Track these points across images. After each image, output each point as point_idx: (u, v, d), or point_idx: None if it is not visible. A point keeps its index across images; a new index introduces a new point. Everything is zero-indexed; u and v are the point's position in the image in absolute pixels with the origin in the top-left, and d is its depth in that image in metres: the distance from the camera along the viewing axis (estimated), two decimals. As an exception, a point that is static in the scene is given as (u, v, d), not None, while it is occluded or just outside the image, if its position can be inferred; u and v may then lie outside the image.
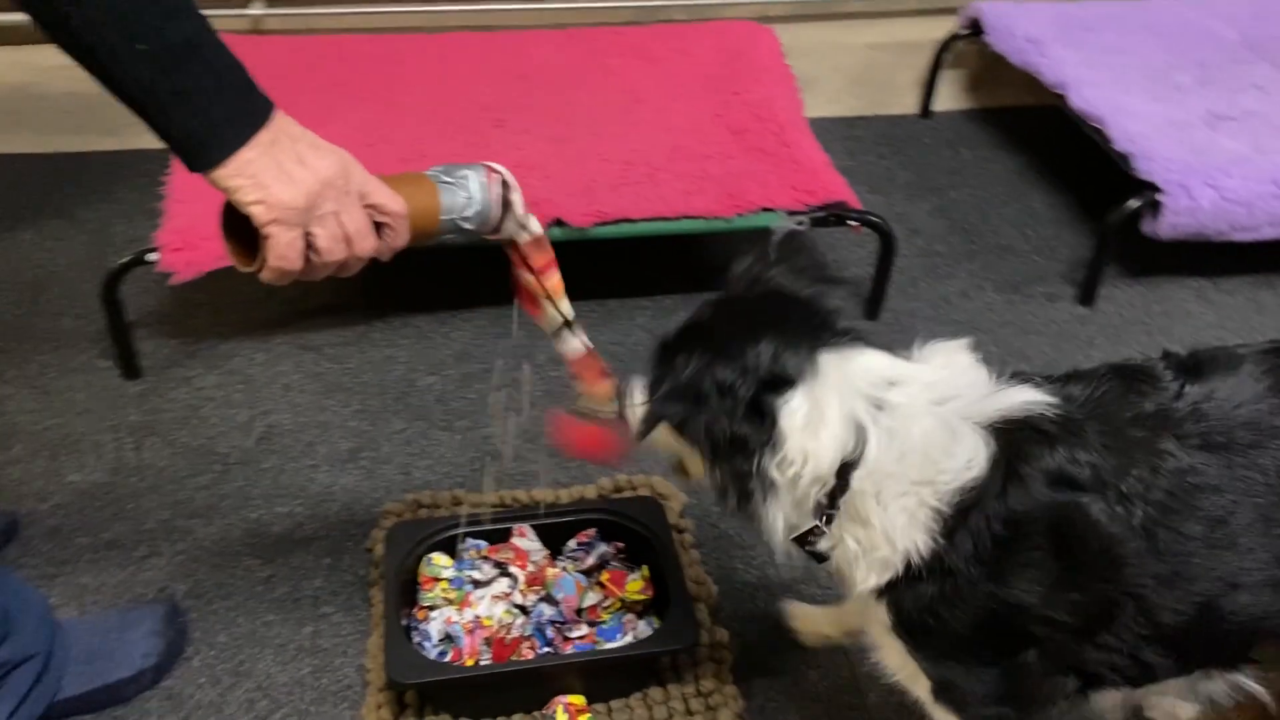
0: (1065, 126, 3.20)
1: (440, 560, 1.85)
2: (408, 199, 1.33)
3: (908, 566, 1.27)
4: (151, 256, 2.27)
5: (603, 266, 2.81)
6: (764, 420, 1.27)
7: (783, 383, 1.27)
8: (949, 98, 3.63)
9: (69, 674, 1.74)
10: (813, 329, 1.35)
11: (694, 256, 2.90)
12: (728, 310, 1.42)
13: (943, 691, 1.38)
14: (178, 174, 2.48)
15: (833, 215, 2.53)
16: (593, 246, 2.52)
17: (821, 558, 1.35)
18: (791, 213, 2.50)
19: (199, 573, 2.00)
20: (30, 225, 2.88)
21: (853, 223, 2.55)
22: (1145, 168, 2.66)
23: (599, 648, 1.78)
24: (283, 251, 1.22)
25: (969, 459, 1.23)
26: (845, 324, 1.39)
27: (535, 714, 1.74)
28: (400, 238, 1.33)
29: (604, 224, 2.44)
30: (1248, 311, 2.78)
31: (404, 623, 1.78)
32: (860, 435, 1.25)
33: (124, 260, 2.30)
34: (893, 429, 1.26)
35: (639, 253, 2.85)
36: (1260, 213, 2.63)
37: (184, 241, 2.25)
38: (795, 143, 2.69)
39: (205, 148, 1.17)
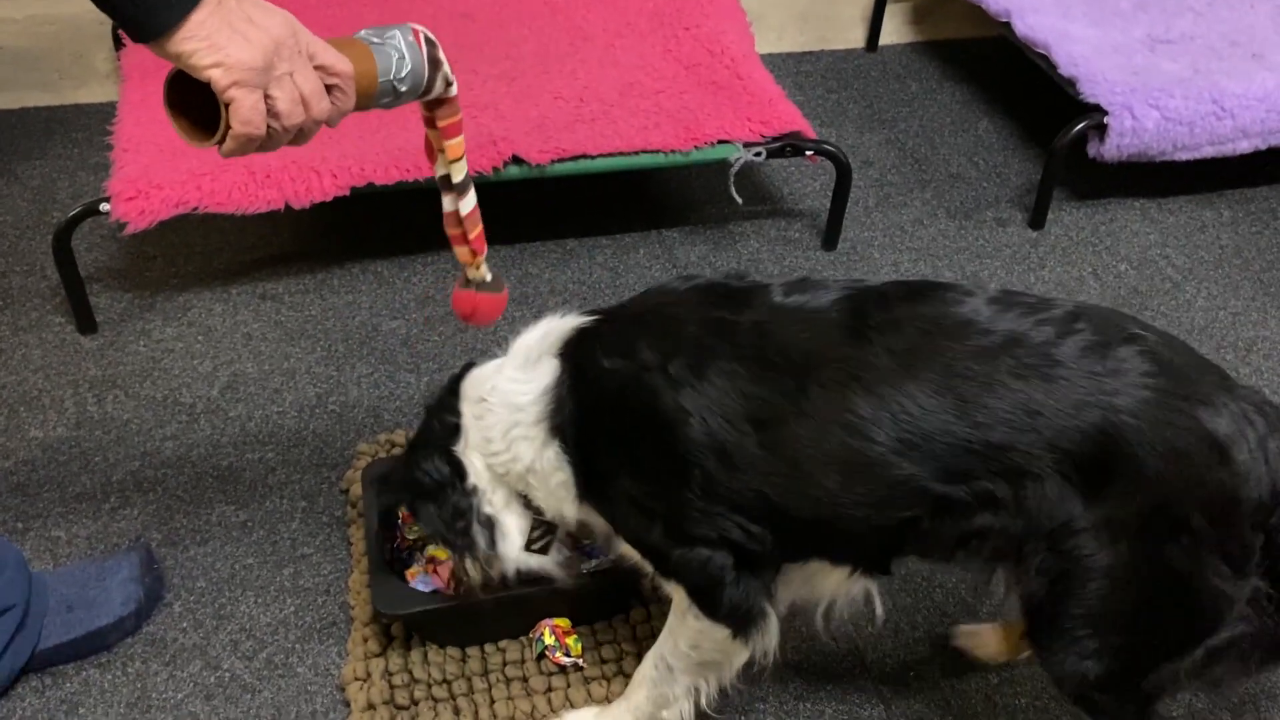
0: (1009, 56, 3.25)
1: None
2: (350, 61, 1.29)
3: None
4: (104, 207, 2.22)
5: (561, 206, 2.81)
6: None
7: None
8: (894, 31, 3.65)
9: (49, 623, 1.73)
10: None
11: (650, 193, 2.92)
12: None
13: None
14: (124, 123, 2.42)
15: (789, 146, 2.55)
16: (550, 185, 2.52)
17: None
18: (748, 144, 2.52)
19: (173, 521, 1.99)
20: (-31, 184, 2.80)
21: (809, 153, 2.57)
22: (1090, 91, 2.71)
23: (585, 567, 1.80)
24: (247, 116, 1.16)
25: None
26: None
27: (523, 639, 1.77)
28: (349, 100, 1.28)
29: (561, 160, 2.43)
30: (1191, 229, 2.86)
31: (387, 558, 1.78)
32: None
33: (75, 212, 2.25)
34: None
35: (596, 191, 2.85)
36: (1201, 132, 2.70)
37: (136, 190, 2.20)
38: (749, 75, 2.70)
39: (154, 12, 1.12)
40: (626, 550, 1.53)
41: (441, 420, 1.59)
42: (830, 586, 1.47)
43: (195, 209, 2.23)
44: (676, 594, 1.48)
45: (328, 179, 2.29)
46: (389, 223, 2.72)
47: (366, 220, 2.70)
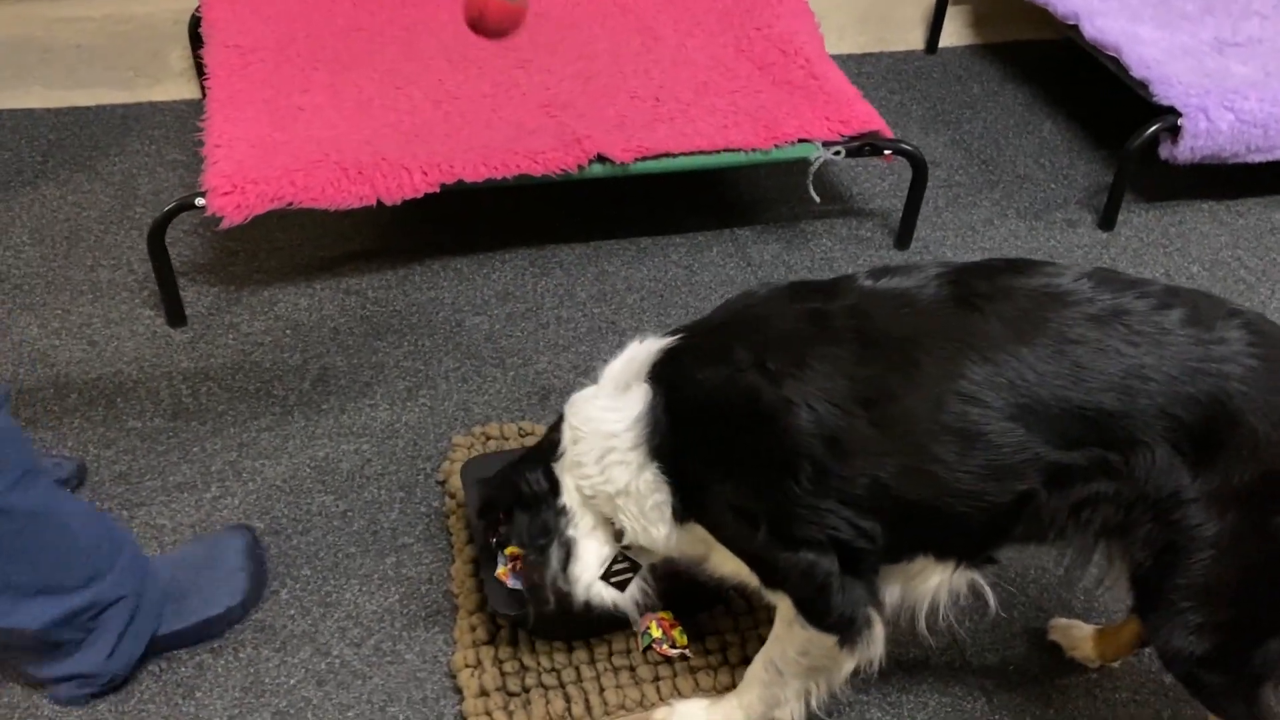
0: (1070, 58, 3.27)
1: None
2: None
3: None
4: (199, 202, 2.26)
5: (634, 204, 2.84)
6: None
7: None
8: (954, 34, 3.67)
9: (164, 610, 1.76)
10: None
11: (721, 192, 2.94)
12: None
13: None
14: (215, 119, 2.46)
15: (867, 145, 2.57)
16: (623, 184, 2.53)
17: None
18: (827, 143, 2.54)
19: (274, 510, 2.02)
20: (51, 180, 2.84)
21: (886, 152, 2.59)
22: (1164, 93, 2.72)
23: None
24: None
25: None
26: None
27: (632, 630, 1.78)
28: None
29: (645, 159, 2.46)
30: (1260, 231, 2.86)
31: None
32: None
33: (170, 207, 2.29)
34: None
35: (667, 190, 2.88)
36: (1276, 134, 2.71)
37: (232, 185, 2.24)
38: (824, 75, 2.73)
39: None
40: (727, 570, 1.55)
41: (551, 436, 1.62)
42: (934, 584, 1.48)
43: (290, 204, 2.26)
44: (782, 603, 1.49)
45: (418, 176, 2.32)
46: (466, 220, 2.75)
47: (444, 218, 2.73)
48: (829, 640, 1.46)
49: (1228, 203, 2.95)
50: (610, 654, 1.76)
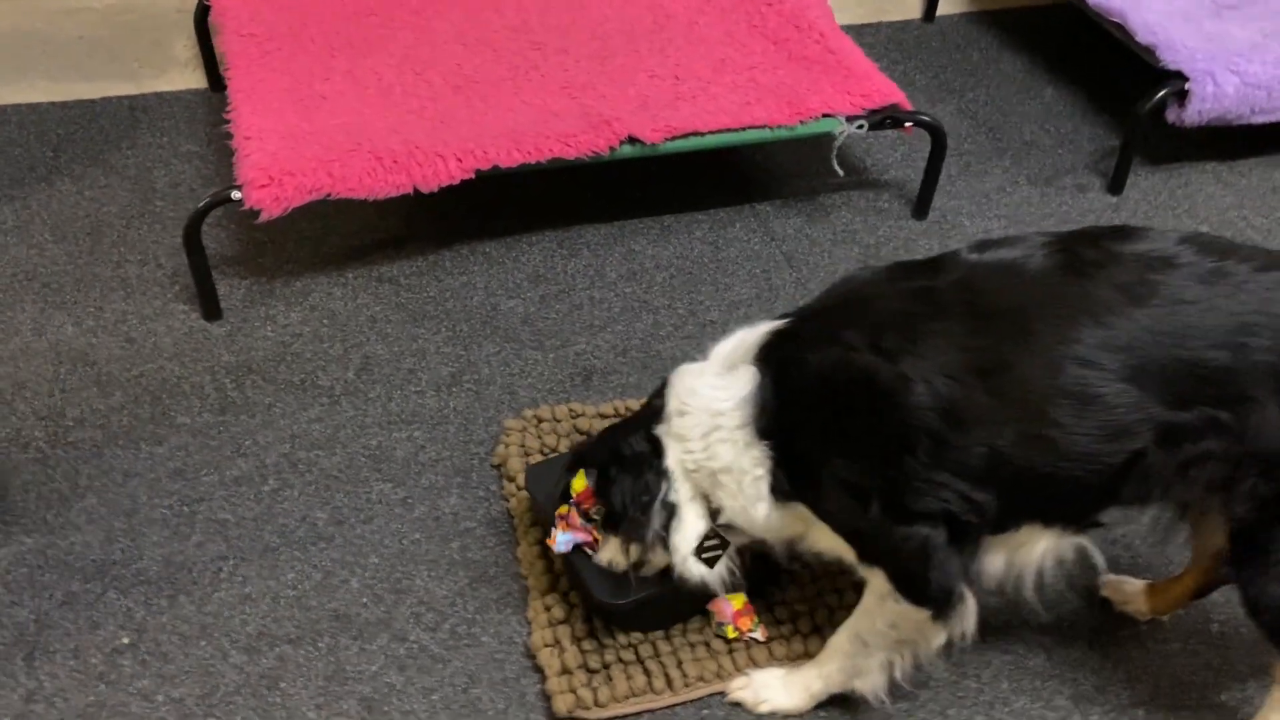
0: (1066, 23, 3.32)
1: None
2: None
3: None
4: (235, 195, 2.25)
5: (655, 184, 2.86)
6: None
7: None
8: (950, 2, 3.70)
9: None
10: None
11: (740, 168, 2.96)
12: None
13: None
14: (241, 111, 2.45)
15: (888, 118, 2.61)
16: (643, 163, 2.55)
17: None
18: (850, 118, 2.57)
19: (334, 500, 2.04)
20: (65, 175, 2.81)
21: (907, 124, 2.63)
22: (1171, 58, 2.78)
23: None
24: None
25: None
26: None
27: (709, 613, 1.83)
28: None
29: (674, 139, 2.48)
30: (1264, 190, 2.94)
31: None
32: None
33: (205, 202, 2.29)
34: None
35: (686, 168, 2.90)
36: (1279, 95, 2.78)
37: (268, 177, 2.24)
38: (840, 49, 2.76)
39: None
40: (822, 547, 1.59)
41: (653, 405, 1.66)
42: (1039, 552, 1.53)
43: (328, 195, 2.27)
44: (876, 578, 1.54)
45: (453, 163, 2.33)
46: (489, 204, 2.76)
47: (466, 202, 2.73)
48: (922, 614, 1.51)
49: (1230, 164, 3.02)
50: (685, 629, 1.81)
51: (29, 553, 1.93)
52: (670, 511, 1.62)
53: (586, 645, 1.77)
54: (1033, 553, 1.53)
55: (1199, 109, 2.76)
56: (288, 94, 2.51)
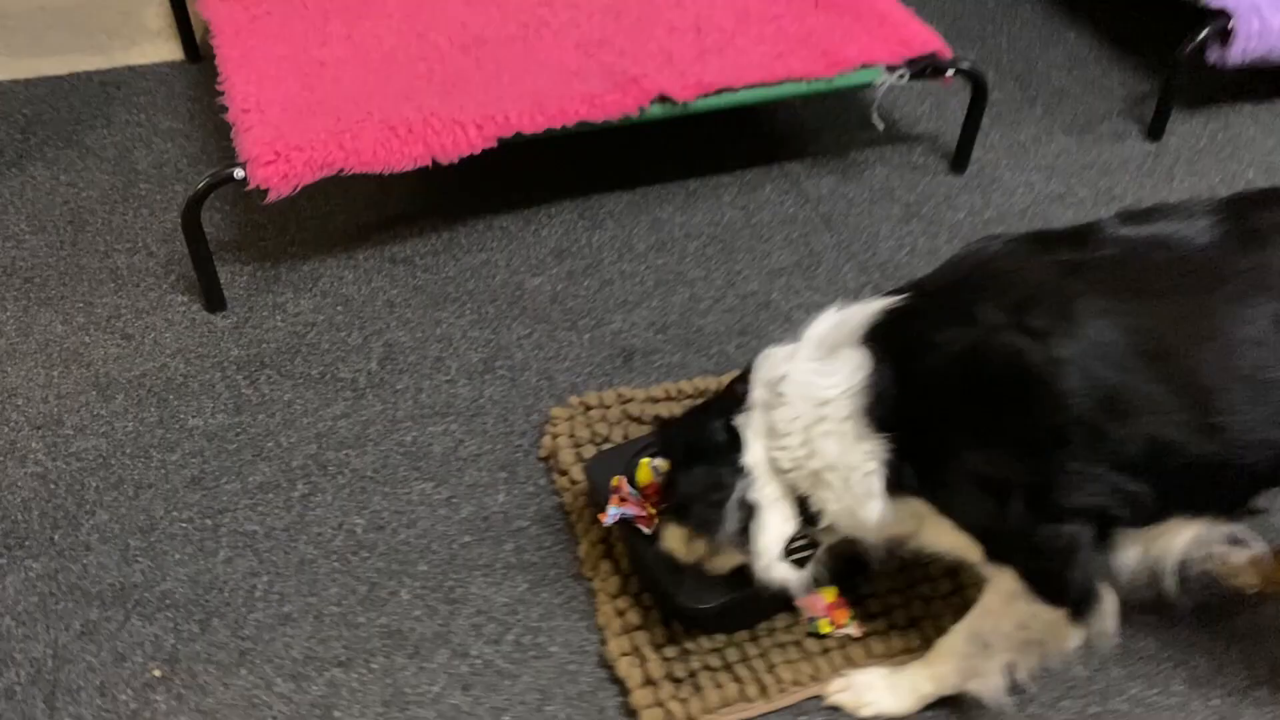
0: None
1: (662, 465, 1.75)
2: None
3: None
4: (237, 174, 2.05)
5: (674, 146, 2.69)
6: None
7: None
8: (960, -55, 3.54)
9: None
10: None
11: (763, 126, 2.80)
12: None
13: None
14: (235, 82, 2.24)
15: (928, 67, 2.45)
16: (659, 125, 2.37)
17: None
18: (890, 68, 2.41)
19: (372, 504, 1.87)
20: (38, 159, 2.58)
21: (948, 73, 2.48)
22: (1213, -4, 2.64)
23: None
24: None
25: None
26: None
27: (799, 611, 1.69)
28: None
29: (705, 96, 2.31)
30: (1306, 132, 2.84)
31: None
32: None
33: (204, 183, 2.08)
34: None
35: (706, 127, 2.73)
36: (1323, 31, 2.66)
37: (274, 153, 2.04)
38: (870, -4, 2.59)
39: None
40: (941, 545, 1.45)
41: (735, 392, 1.51)
42: (1183, 542, 1.39)
43: (340, 170, 2.07)
44: (1003, 577, 1.40)
45: (473, 131, 2.15)
46: (499, 174, 2.57)
47: (475, 173, 2.54)
48: (1057, 614, 1.38)
49: (1269, 105, 2.91)
50: (772, 628, 1.67)
51: (38, 579, 1.74)
52: (749, 512, 1.47)
53: (669, 652, 1.63)
54: (1174, 543, 1.39)
55: (1243, 48, 2.63)
56: (284, 61, 2.30)
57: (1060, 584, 1.35)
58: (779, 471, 1.46)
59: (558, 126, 2.19)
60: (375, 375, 2.10)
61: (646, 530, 1.62)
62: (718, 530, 1.50)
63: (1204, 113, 2.88)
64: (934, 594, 1.71)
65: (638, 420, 1.96)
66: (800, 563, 1.51)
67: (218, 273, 2.25)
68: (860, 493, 1.39)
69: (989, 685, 1.51)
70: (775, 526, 1.48)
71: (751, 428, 1.47)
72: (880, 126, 2.47)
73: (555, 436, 1.94)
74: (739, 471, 1.48)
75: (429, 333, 2.19)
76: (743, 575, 1.55)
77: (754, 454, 1.47)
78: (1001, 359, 1.27)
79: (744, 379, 1.52)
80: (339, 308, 2.24)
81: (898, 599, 1.71)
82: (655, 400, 2.00)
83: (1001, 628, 1.45)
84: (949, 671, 1.54)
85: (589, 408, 1.99)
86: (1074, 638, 1.42)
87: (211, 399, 2.04)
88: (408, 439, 1.98)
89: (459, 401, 2.05)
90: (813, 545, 1.51)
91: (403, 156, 2.10)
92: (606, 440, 1.92)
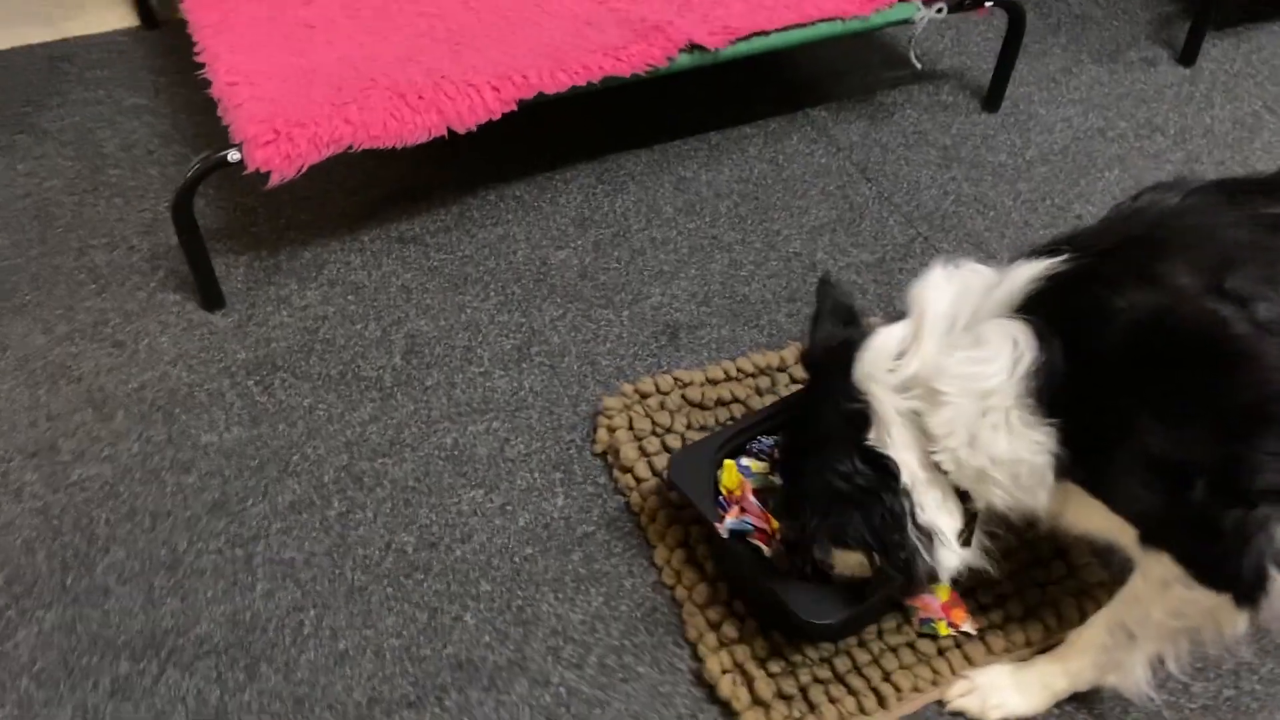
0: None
1: (752, 465, 1.59)
2: None
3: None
4: (232, 156, 1.83)
5: (690, 98, 2.49)
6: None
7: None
8: None
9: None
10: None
11: (782, 71, 2.61)
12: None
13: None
14: (215, 51, 2.00)
15: (966, -1, 2.28)
16: (673, 78, 2.17)
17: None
18: (928, 0, 2.24)
19: (419, 517, 1.69)
20: (-12, 147, 2.33)
21: (986, 4, 2.30)
22: (1249, -94, 2.50)
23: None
24: None
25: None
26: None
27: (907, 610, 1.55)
28: None
29: (736, 42, 2.11)
30: (1341, 49, 2.72)
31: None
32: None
33: (196, 169, 1.85)
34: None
35: (720, 76, 2.54)
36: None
37: (274, 131, 1.81)
38: (895, -77, 2.40)
39: None
40: (1090, 527, 1.31)
41: (838, 407, 1.33)
42: None
43: (349, 147, 1.86)
44: (1158, 562, 1.27)
45: (489, 94, 1.94)
46: (502, 140, 2.35)
47: (476, 139, 2.33)
48: (1220, 599, 1.25)
49: (1299, 22, 2.79)
50: (879, 631, 1.53)
51: (54, 631, 1.55)
52: (929, 534, 1.32)
53: (773, 667, 1.48)
54: None
55: (1283, -37, 2.49)
56: (268, 25, 2.07)
57: (1229, 568, 1.21)
58: (936, 475, 1.31)
59: (583, 83, 1.99)
60: (401, 371, 1.91)
61: (764, 547, 1.46)
62: (915, 569, 1.35)
63: (1234, 35, 2.75)
64: (1048, 579, 1.58)
65: (699, 406, 1.80)
66: (968, 541, 1.37)
67: (213, 266, 2.03)
68: (1031, 485, 1.24)
69: (1134, 679, 1.38)
70: (950, 531, 1.34)
71: (896, 444, 1.31)
72: (919, 66, 2.30)
73: (612, 430, 1.77)
74: (903, 495, 1.32)
75: (453, 320, 2.00)
76: (863, 581, 1.41)
77: (910, 472, 1.31)
78: (1197, 328, 1.11)
79: (836, 392, 1.34)
80: (350, 297, 2.04)
81: (1009, 587, 1.58)
82: (714, 382, 1.84)
83: (1152, 616, 1.32)
84: (1086, 666, 1.41)
85: (644, 395, 1.82)
86: (1240, 623, 1.29)
87: (223, 410, 1.84)
88: (448, 441, 1.80)
89: (498, 395, 1.87)
90: (973, 518, 1.37)
91: (416, 127, 1.89)
92: (669, 430, 1.76)
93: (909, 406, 1.29)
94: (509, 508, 1.71)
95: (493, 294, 2.05)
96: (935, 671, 1.49)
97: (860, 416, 1.31)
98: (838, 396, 1.33)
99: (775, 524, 1.47)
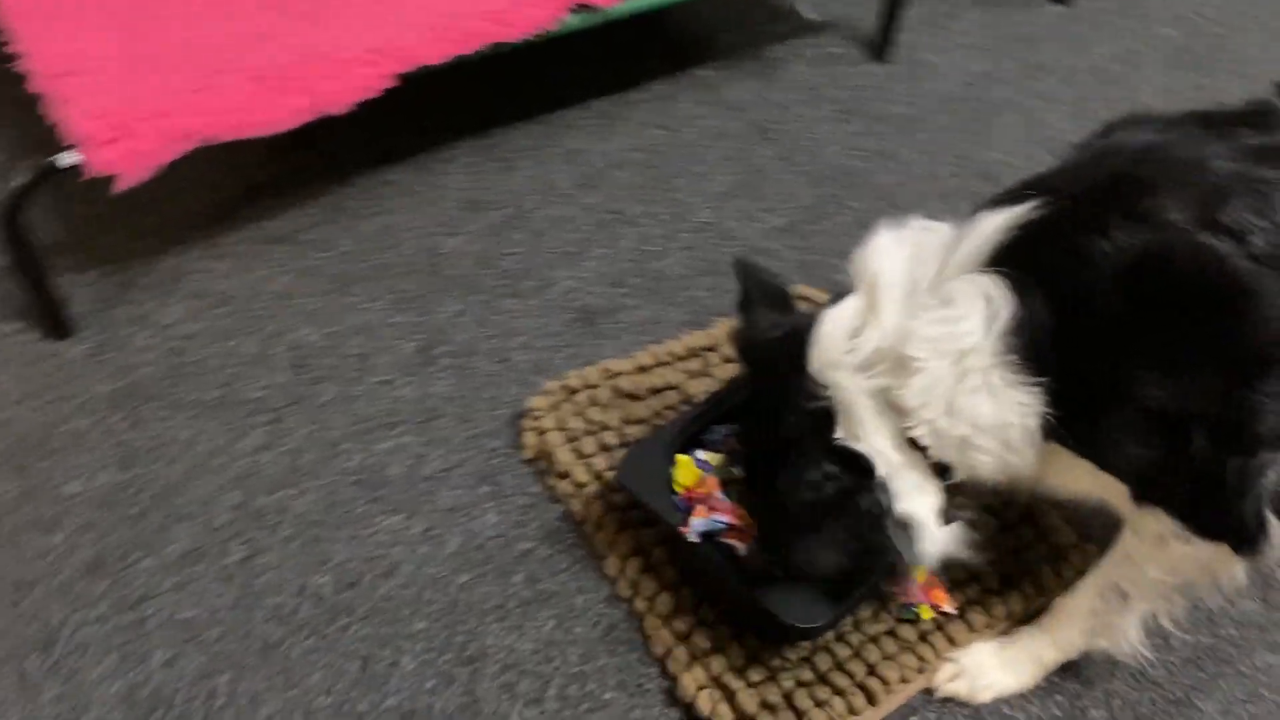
0: None
1: (709, 458, 1.46)
2: None
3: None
4: (66, 160, 1.57)
5: (565, 64, 2.32)
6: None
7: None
8: None
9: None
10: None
11: (660, 31, 2.47)
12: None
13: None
14: (36, 34, 1.72)
15: (854, -56, 2.18)
16: (549, 49, 2.00)
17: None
18: (817, -52, 2.13)
19: (334, 554, 1.50)
20: None
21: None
22: None
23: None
24: None
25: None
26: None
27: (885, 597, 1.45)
28: None
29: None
30: (1204, -20, 2.75)
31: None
32: None
33: (27, 179, 1.58)
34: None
35: (593, 40, 2.37)
36: None
37: (114, 129, 1.56)
38: None
39: None
40: (1078, 488, 1.24)
41: (799, 408, 1.21)
42: None
43: (204, 141, 1.63)
44: (1151, 519, 1.20)
45: (366, 69, 1.73)
46: (372, 120, 2.14)
47: (343, 121, 2.11)
48: (1218, 550, 1.19)
49: (1163, -45, 2.81)
50: (856, 623, 1.43)
51: (-92, 740, 1.30)
52: (905, 525, 1.22)
53: (753, 675, 1.36)
54: None
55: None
56: (95, 7, 1.79)
57: (1230, 517, 1.15)
58: (913, 452, 1.20)
59: (469, 52, 1.81)
60: (290, 389, 1.70)
61: (740, 546, 1.33)
62: (899, 566, 1.26)
63: (1105, -30, 2.75)
64: (1019, 545, 1.51)
65: (633, 397, 1.66)
66: (947, 520, 1.27)
67: (54, 287, 1.77)
68: (1021, 445, 1.14)
69: (1124, 639, 1.32)
70: (929, 516, 1.23)
71: (868, 433, 1.20)
72: (814, 17, 2.20)
73: (541, 432, 1.61)
74: (881, 491, 1.20)
75: (342, 325, 1.80)
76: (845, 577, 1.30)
77: (885, 461, 1.20)
78: (1194, 266, 1.03)
79: (794, 391, 1.22)
80: (219, 310, 1.81)
81: (982, 559, 1.49)
82: (645, 369, 1.70)
83: (1146, 575, 1.25)
84: (1075, 634, 1.34)
85: (572, 391, 1.66)
86: (1238, 571, 1.24)
87: (87, 453, 1.59)
88: (353, 463, 1.60)
89: (404, 406, 1.69)
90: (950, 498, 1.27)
91: (282, 112, 1.67)
92: (605, 427, 1.61)
93: (875, 385, 1.18)
94: (434, 532, 1.53)
95: (383, 292, 1.86)
96: (920, 658, 1.39)
97: (824, 414, 1.20)
98: (795, 395, 1.21)
99: (747, 519, 1.34)
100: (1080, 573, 1.48)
